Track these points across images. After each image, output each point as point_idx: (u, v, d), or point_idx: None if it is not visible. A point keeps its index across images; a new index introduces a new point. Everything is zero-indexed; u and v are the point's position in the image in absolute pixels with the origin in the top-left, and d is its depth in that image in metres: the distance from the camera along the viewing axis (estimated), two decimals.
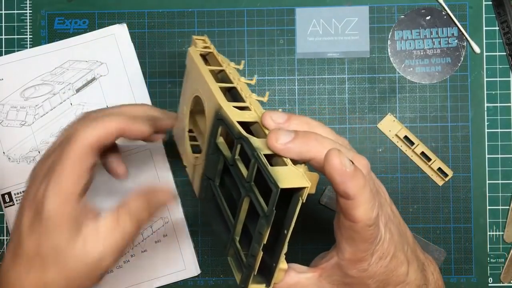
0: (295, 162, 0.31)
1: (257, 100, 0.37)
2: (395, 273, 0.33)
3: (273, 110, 0.34)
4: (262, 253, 0.30)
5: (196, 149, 0.43)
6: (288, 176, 0.28)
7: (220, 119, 0.35)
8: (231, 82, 0.38)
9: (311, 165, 0.32)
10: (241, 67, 0.41)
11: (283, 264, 0.31)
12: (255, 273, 0.31)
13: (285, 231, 0.30)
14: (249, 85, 0.42)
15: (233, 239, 0.34)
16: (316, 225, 0.52)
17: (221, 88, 0.37)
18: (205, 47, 0.44)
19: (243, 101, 0.36)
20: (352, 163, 0.29)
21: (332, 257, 0.33)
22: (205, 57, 0.44)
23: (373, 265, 0.32)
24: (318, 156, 0.31)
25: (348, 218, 0.30)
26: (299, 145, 0.31)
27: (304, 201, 0.29)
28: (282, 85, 0.54)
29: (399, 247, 0.33)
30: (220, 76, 0.41)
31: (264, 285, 0.32)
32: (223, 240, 0.35)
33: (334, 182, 0.29)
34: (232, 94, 0.38)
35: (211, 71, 0.40)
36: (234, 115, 0.34)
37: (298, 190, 0.29)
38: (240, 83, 0.38)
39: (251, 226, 0.33)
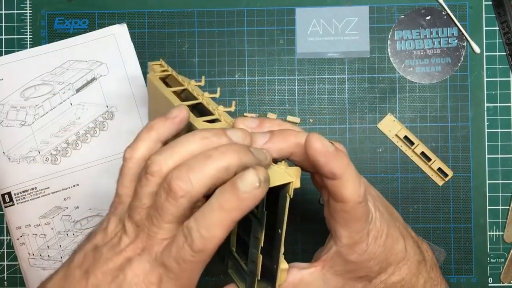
0: (275, 161, 0.31)
1: (225, 111, 0.37)
2: (394, 251, 0.34)
3: (244, 117, 0.34)
4: (261, 256, 0.30)
5: None
6: (272, 175, 0.29)
7: None
8: (196, 99, 0.38)
9: (292, 160, 0.33)
10: (202, 83, 0.41)
11: (283, 264, 0.31)
12: (259, 278, 0.31)
13: (279, 230, 0.30)
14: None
15: (230, 251, 0.35)
16: (316, 225, 0.52)
17: (187, 106, 0.37)
18: (163, 71, 0.44)
19: (212, 113, 0.36)
20: (333, 144, 0.30)
21: (330, 247, 0.33)
22: (165, 80, 0.44)
23: (371, 246, 0.32)
24: (298, 149, 0.31)
25: (338, 199, 0.31)
26: (277, 143, 0.31)
27: (291, 196, 0.29)
28: (282, 85, 0.54)
29: (391, 224, 0.34)
30: (184, 95, 0.41)
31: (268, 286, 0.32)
32: (220, 255, 0.36)
33: (319, 164, 0.30)
34: (199, 110, 0.38)
35: (174, 92, 0.40)
36: (206, 127, 0.34)
37: (284, 187, 0.29)
38: (205, 98, 0.38)
39: (245, 234, 0.33)
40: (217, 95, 0.39)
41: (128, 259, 0.28)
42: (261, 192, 0.27)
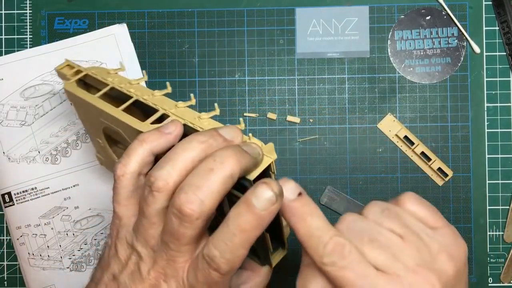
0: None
1: (163, 94, 0.35)
2: None
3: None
4: (268, 234, 0.31)
5: None
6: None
7: None
8: (127, 95, 0.36)
9: None
10: (123, 69, 0.39)
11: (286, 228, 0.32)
12: (271, 250, 0.32)
13: None
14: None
15: None
16: None
17: (124, 110, 0.34)
18: (76, 72, 0.40)
19: (155, 109, 0.34)
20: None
21: None
22: (84, 81, 0.40)
23: None
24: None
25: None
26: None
27: (275, 173, 0.29)
28: (282, 85, 0.54)
29: None
30: (114, 94, 0.38)
31: (281, 249, 0.33)
32: None
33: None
34: (139, 106, 0.36)
35: (101, 97, 0.36)
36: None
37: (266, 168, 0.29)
38: (137, 90, 0.36)
39: None
40: (145, 78, 0.36)
41: (155, 286, 0.28)
42: (278, 206, 0.26)
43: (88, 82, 0.40)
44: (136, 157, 0.30)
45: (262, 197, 0.25)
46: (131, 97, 0.36)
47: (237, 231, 0.25)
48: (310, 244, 0.26)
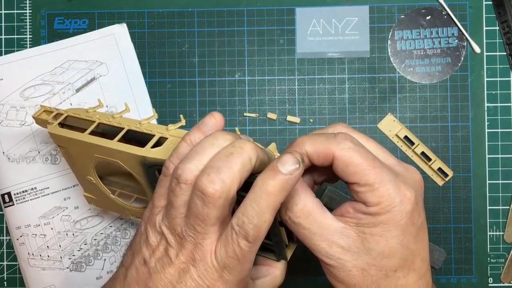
0: None
1: (149, 121, 0.36)
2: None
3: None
4: (283, 228, 0.32)
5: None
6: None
7: (152, 165, 0.34)
8: (117, 127, 0.37)
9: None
10: (101, 105, 0.39)
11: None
12: (287, 243, 0.34)
13: None
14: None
15: None
16: None
17: (119, 140, 0.36)
18: (56, 116, 0.41)
19: (151, 134, 0.35)
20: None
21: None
22: (62, 123, 0.41)
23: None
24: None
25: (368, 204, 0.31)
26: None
27: None
28: (282, 85, 0.54)
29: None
30: (101, 129, 0.39)
31: (291, 243, 0.35)
32: None
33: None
34: (131, 136, 0.37)
35: (92, 133, 0.37)
36: (161, 154, 0.34)
37: None
38: (123, 121, 0.37)
39: None
40: (155, 116, 0.37)
41: (184, 270, 0.29)
42: (300, 172, 0.28)
43: (67, 124, 0.41)
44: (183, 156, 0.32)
45: (287, 163, 0.28)
46: (121, 129, 0.37)
47: (264, 194, 0.28)
48: None
